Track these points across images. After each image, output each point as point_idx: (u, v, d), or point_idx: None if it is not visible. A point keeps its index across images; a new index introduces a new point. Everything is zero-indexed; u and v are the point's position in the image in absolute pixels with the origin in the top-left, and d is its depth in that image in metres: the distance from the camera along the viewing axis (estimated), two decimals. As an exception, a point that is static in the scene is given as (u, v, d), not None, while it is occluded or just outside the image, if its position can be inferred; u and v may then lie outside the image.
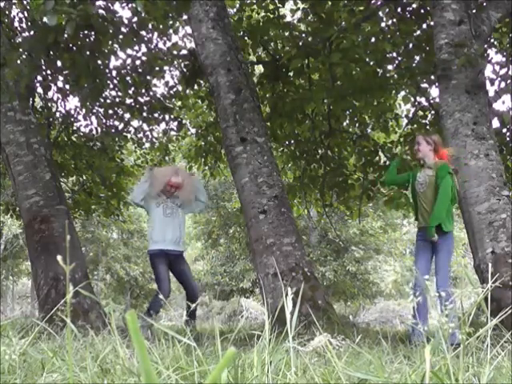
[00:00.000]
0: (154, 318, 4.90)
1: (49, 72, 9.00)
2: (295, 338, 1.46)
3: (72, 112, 10.38)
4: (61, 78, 9.31)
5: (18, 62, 6.70)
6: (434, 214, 4.74)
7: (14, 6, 8.89)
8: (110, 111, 10.03)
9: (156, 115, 10.07)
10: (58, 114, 10.32)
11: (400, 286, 24.67)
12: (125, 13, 9.39)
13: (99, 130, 10.28)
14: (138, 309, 24.91)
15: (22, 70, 6.63)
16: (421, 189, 4.97)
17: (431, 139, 5.06)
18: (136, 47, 9.07)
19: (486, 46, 8.20)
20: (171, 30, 9.46)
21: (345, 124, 10.51)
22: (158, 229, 5.52)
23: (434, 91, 10.15)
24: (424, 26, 8.86)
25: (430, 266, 4.81)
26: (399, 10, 8.87)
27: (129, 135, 10.66)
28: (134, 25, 8.48)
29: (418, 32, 9.03)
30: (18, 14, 9.09)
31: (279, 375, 1.48)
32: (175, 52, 9.48)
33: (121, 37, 7.22)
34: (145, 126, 10.57)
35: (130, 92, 9.53)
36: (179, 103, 10.85)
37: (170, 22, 8.61)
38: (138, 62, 9.28)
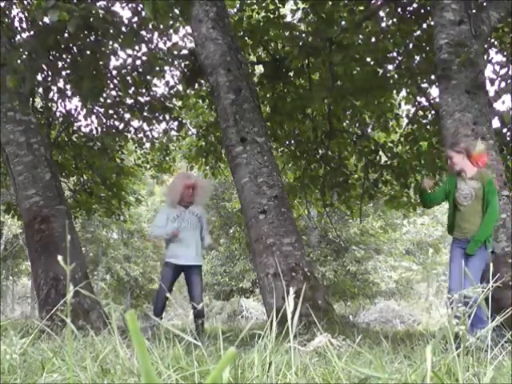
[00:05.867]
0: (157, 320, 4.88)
1: (50, 73, 9.01)
2: (296, 337, 1.46)
3: (72, 112, 10.39)
4: (61, 78, 9.33)
5: (19, 62, 6.70)
6: (483, 231, 4.60)
7: (14, 6, 8.89)
8: (111, 111, 10.03)
9: (156, 115, 10.07)
10: (58, 114, 10.32)
11: (400, 287, 24.69)
12: (125, 13, 9.39)
13: (99, 129, 10.28)
14: (138, 309, 24.92)
15: (25, 74, 6.62)
16: (464, 202, 4.76)
17: (460, 148, 4.88)
18: (136, 47, 9.07)
19: (485, 45, 8.20)
20: (171, 30, 9.46)
21: (345, 124, 10.51)
22: (173, 243, 5.51)
23: (434, 91, 10.15)
24: (424, 25, 8.87)
25: (462, 274, 4.66)
26: (399, 9, 8.87)
27: (129, 135, 10.66)
28: (134, 25, 8.48)
29: (418, 32, 9.04)
30: (18, 14, 9.09)
31: (279, 375, 1.48)
32: (175, 52, 9.48)
33: (121, 36, 7.22)
34: (145, 126, 10.57)
35: (131, 92, 9.53)
36: (179, 103, 10.85)
37: (171, 22, 8.62)
38: (138, 62, 9.28)
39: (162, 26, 8.96)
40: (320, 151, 10.55)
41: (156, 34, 9.64)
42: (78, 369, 1.59)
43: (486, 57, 8.65)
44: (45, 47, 6.88)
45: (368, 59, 8.74)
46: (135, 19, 8.73)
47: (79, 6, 5.81)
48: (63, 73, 9.19)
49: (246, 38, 9.29)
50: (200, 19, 7.26)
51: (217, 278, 22.77)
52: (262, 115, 7.51)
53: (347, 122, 10.48)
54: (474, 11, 6.59)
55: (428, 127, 9.88)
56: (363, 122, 10.16)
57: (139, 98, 9.86)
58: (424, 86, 9.58)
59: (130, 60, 9.25)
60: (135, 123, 10.62)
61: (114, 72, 9.32)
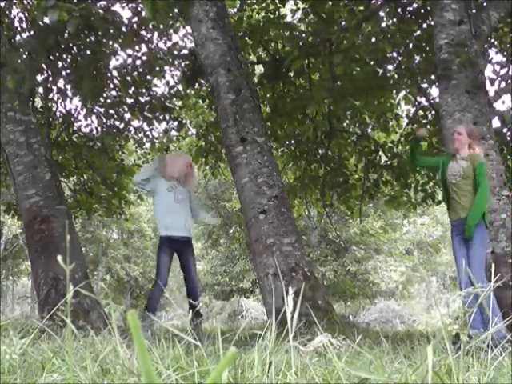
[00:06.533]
0: (154, 317, 4.87)
1: (50, 73, 9.02)
2: (296, 337, 1.46)
3: (72, 112, 10.39)
4: (61, 78, 9.33)
5: (19, 62, 6.70)
6: (474, 214, 4.59)
7: (14, 6, 8.89)
8: (111, 111, 10.04)
9: (156, 115, 10.07)
10: (58, 114, 10.33)
11: (400, 286, 24.68)
12: (125, 13, 9.38)
13: (99, 129, 10.29)
14: (138, 309, 24.90)
15: (25, 74, 6.63)
16: (453, 179, 4.85)
17: (471, 132, 4.98)
18: (136, 47, 9.07)
19: (485, 45, 8.20)
20: (171, 30, 9.46)
21: (345, 124, 10.51)
22: (168, 214, 5.46)
23: (434, 91, 10.17)
24: (424, 25, 8.87)
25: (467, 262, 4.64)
26: (399, 10, 8.87)
27: (129, 135, 10.67)
28: (134, 25, 8.49)
29: (418, 32, 9.04)
30: (18, 14, 9.09)
31: (279, 375, 1.47)
32: (175, 52, 9.48)
33: (121, 36, 7.23)
34: (145, 126, 10.58)
35: (131, 92, 9.54)
36: (180, 103, 10.85)
37: (171, 22, 8.62)
38: (138, 62, 9.29)
39: (161, 26, 8.97)
40: (320, 151, 10.55)
41: (156, 33, 9.64)
42: (78, 369, 1.58)
43: (485, 57, 8.65)
44: (45, 47, 6.89)
45: (368, 59, 8.74)
46: (135, 19, 8.74)
47: (79, 5, 5.81)
48: (63, 73, 9.20)
49: (246, 38, 9.29)
50: (200, 19, 7.26)
51: (217, 277, 22.76)
52: (262, 115, 7.50)
53: (347, 122, 10.48)
54: (474, 11, 6.59)
55: (428, 127, 9.88)
56: (363, 122, 10.15)
57: (139, 98, 9.86)
58: (424, 86, 9.58)
59: (130, 60, 9.26)
60: (135, 123, 10.64)
61: (114, 72, 9.32)
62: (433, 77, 8.74)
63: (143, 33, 9.27)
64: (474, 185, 4.74)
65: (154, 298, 5.34)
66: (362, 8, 8.71)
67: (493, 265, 5.01)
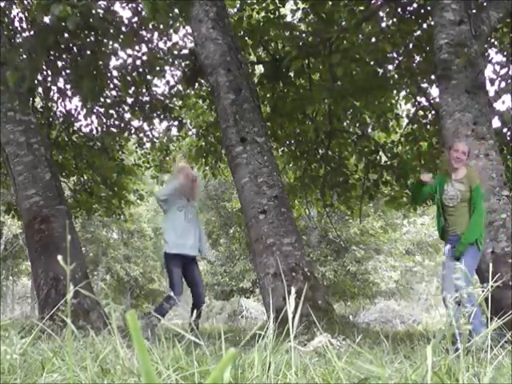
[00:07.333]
0: (156, 321, 4.84)
1: (50, 72, 9.02)
2: (297, 336, 1.46)
3: (72, 112, 10.39)
4: (61, 78, 9.34)
5: (19, 62, 6.70)
6: (469, 234, 4.61)
7: (14, 6, 8.89)
8: (111, 111, 10.04)
9: (157, 114, 10.08)
10: (58, 114, 10.33)
11: (400, 287, 24.69)
12: (125, 13, 9.38)
13: (99, 129, 10.29)
14: (138, 309, 24.91)
15: (25, 73, 6.63)
16: (450, 203, 4.81)
17: (470, 150, 4.90)
18: (136, 47, 9.08)
19: (486, 45, 8.20)
20: (171, 30, 9.47)
21: (345, 124, 10.52)
22: (179, 233, 5.48)
23: (434, 91, 10.17)
24: (424, 25, 8.87)
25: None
26: (399, 9, 8.88)
27: (130, 134, 10.67)
28: (134, 25, 8.49)
29: (418, 32, 9.04)
30: (18, 14, 9.10)
31: (279, 375, 1.47)
32: (175, 52, 9.49)
33: (121, 36, 7.23)
34: (145, 126, 10.58)
35: (131, 92, 9.54)
36: (180, 103, 10.86)
37: (170, 22, 8.63)
38: (138, 62, 9.29)
39: (161, 26, 8.97)
40: (320, 151, 10.55)
41: (156, 33, 9.64)
42: (78, 369, 1.58)
43: (485, 57, 8.65)
44: (45, 47, 6.89)
45: (368, 59, 8.75)
46: (135, 19, 8.75)
47: (79, 3, 5.81)
48: (63, 73, 9.20)
49: (246, 38, 9.28)
50: (200, 19, 7.26)
51: (217, 278, 22.76)
52: (262, 115, 7.50)
53: (347, 122, 10.48)
54: (474, 11, 6.59)
55: (428, 127, 9.89)
56: (363, 122, 10.15)
57: (140, 98, 9.87)
58: (424, 86, 9.58)
59: (130, 60, 9.26)
60: (135, 123, 10.64)
61: (114, 72, 9.32)
62: (433, 77, 8.75)
63: (143, 33, 9.27)
64: (469, 207, 4.73)
65: (163, 309, 5.29)
66: (362, 8, 8.70)
67: (490, 265, 5.02)
